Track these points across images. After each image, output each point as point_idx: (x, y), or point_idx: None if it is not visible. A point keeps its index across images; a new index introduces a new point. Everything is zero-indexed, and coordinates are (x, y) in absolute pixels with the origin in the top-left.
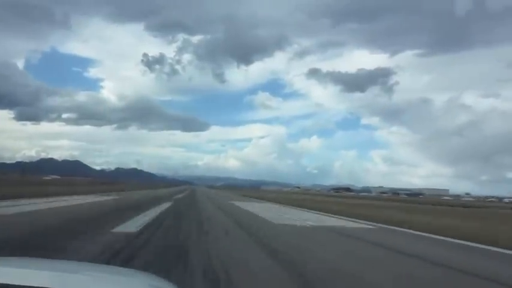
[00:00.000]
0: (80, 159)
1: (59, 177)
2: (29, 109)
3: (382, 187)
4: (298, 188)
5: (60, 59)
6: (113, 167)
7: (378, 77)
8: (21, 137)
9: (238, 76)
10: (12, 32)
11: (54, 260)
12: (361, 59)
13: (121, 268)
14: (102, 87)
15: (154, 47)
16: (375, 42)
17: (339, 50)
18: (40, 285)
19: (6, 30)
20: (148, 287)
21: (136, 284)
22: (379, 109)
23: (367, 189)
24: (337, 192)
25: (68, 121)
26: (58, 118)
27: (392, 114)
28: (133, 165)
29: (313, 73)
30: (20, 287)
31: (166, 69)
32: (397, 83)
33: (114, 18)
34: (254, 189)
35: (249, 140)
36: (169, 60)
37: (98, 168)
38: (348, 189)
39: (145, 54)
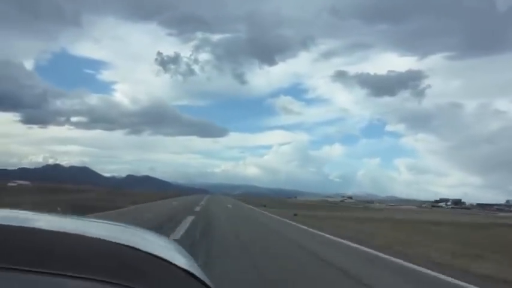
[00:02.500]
0: (89, 166)
1: (28, 183)
2: (36, 112)
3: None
4: (350, 198)
5: (69, 59)
6: (124, 174)
7: (409, 80)
8: (27, 141)
9: (260, 77)
10: (18, 31)
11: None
12: (389, 61)
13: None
14: (114, 89)
15: (171, 46)
16: (403, 44)
17: (366, 52)
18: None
19: (12, 29)
20: (141, 238)
21: (130, 231)
22: (406, 115)
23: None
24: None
25: (77, 125)
26: (67, 121)
27: (419, 120)
28: (146, 173)
29: (340, 75)
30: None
31: (183, 69)
32: (428, 86)
33: (128, 16)
34: (288, 201)
35: (270, 146)
36: (186, 60)
37: (107, 175)
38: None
39: (160, 53)
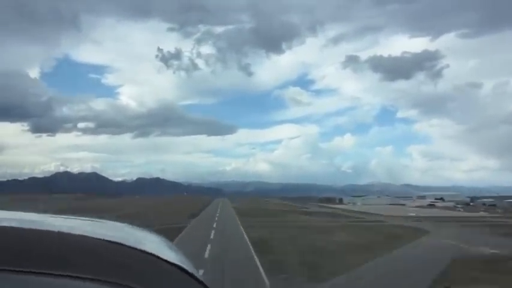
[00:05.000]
0: (98, 171)
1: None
2: (43, 120)
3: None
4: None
5: (72, 64)
6: (134, 178)
7: (425, 61)
8: (36, 150)
9: (267, 68)
10: (19, 38)
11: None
12: (402, 43)
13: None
14: (119, 93)
15: (173, 41)
16: (415, 24)
17: (377, 35)
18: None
19: (12, 36)
20: (129, 233)
21: (118, 227)
22: (421, 99)
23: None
24: None
25: (85, 131)
26: (74, 128)
27: (434, 104)
28: (156, 175)
29: (351, 61)
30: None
31: (187, 65)
32: (446, 66)
33: (127, 14)
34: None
35: (279, 141)
36: (189, 55)
37: (117, 179)
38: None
39: (162, 50)
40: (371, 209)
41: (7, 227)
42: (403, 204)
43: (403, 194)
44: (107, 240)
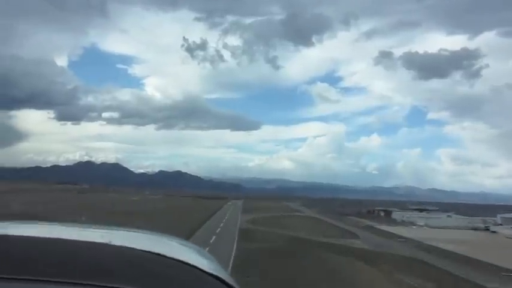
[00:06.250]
0: (120, 162)
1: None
2: (68, 108)
3: None
4: None
5: (100, 54)
6: (156, 170)
7: (463, 60)
8: (61, 138)
9: (294, 62)
10: (48, 26)
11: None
12: (438, 40)
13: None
14: (145, 83)
15: (200, 32)
16: (453, 20)
17: (412, 31)
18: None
19: (41, 24)
20: (176, 245)
21: (166, 241)
22: (454, 100)
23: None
24: None
25: (109, 120)
26: (99, 117)
27: (468, 106)
28: (178, 168)
29: (384, 57)
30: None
31: (214, 57)
32: (485, 66)
33: (156, 3)
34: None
35: (304, 139)
36: (216, 46)
37: (139, 171)
38: None
39: (190, 41)
40: (467, 247)
41: (53, 238)
42: (494, 232)
43: (429, 198)
44: (148, 252)
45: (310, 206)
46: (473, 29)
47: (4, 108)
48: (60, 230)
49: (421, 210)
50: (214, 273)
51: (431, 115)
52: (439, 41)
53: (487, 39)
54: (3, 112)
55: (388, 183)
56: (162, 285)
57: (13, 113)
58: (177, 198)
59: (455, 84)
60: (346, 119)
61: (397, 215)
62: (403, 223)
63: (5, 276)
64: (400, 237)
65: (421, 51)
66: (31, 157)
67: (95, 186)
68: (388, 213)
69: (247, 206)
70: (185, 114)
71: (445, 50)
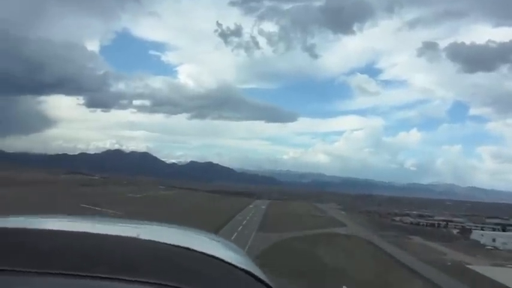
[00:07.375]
0: (151, 152)
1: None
2: (98, 95)
3: None
4: None
5: (130, 38)
6: (188, 160)
7: (511, 53)
8: (91, 125)
9: (334, 51)
10: (78, 9)
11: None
12: (484, 31)
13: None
14: (177, 71)
15: (234, 17)
16: (502, 11)
17: (458, 21)
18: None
19: (72, 7)
20: (208, 240)
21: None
22: (499, 95)
23: None
24: None
25: (140, 108)
26: (129, 105)
27: None
28: (210, 159)
29: (428, 47)
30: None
31: (248, 43)
32: None
33: None
34: None
35: (341, 132)
36: (249, 31)
37: (170, 161)
38: None
39: (221, 26)
40: None
41: (81, 232)
42: None
43: (469, 197)
44: (177, 246)
45: (350, 210)
46: None
47: (33, 93)
48: (88, 223)
49: (504, 227)
50: (245, 267)
51: (474, 111)
52: (486, 32)
53: None
54: (32, 97)
55: (426, 180)
56: (191, 280)
57: (42, 98)
58: (191, 194)
59: (502, 78)
60: (384, 113)
61: (481, 236)
62: (497, 250)
63: (35, 270)
64: None
65: (467, 43)
66: (60, 144)
67: (108, 178)
68: (464, 231)
69: (272, 212)
70: (218, 103)
71: (493, 41)
